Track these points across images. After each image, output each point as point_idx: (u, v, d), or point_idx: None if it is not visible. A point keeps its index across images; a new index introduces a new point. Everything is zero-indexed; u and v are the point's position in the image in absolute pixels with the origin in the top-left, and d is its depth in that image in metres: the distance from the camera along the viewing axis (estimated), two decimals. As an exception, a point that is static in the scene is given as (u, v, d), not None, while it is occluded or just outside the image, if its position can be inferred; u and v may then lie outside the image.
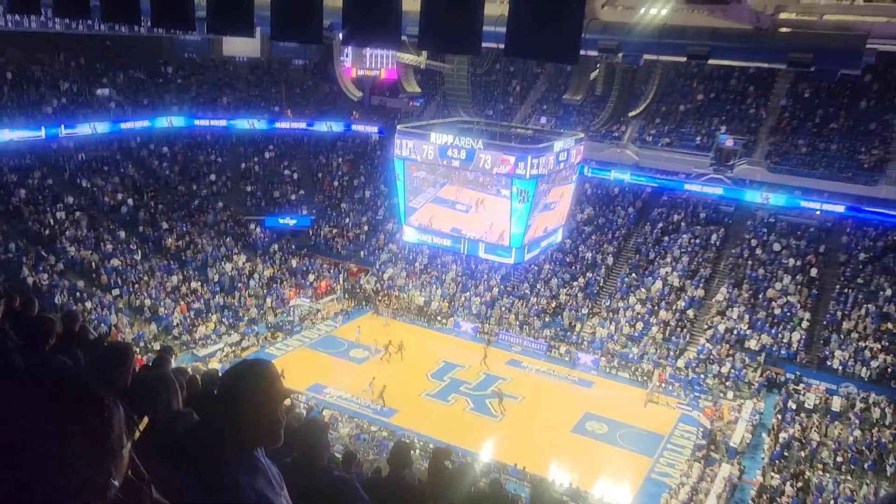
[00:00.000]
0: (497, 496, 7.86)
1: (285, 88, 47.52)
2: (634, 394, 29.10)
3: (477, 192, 22.05)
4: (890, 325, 29.59)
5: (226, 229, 39.07)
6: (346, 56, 36.49)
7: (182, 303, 32.23)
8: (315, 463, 3.90)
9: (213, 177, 42.11)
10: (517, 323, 33.94)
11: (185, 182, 40.94)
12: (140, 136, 41.07)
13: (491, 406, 27.59)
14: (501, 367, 30.56)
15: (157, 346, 26.64)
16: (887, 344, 28.97)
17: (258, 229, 40.12)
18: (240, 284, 35.40)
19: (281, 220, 41.29)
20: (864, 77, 34.76)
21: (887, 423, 26.11)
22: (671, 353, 30.87)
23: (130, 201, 37.27)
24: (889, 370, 28.04)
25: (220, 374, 3.17)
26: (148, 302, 31.43)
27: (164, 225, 36.80)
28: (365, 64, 42.28)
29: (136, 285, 32.15)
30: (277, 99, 46.59)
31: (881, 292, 30.95)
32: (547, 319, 33.81)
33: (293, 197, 43.15)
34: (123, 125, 39.26)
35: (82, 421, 1.45)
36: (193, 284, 33.89)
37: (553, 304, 34.45)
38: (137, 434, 2.10)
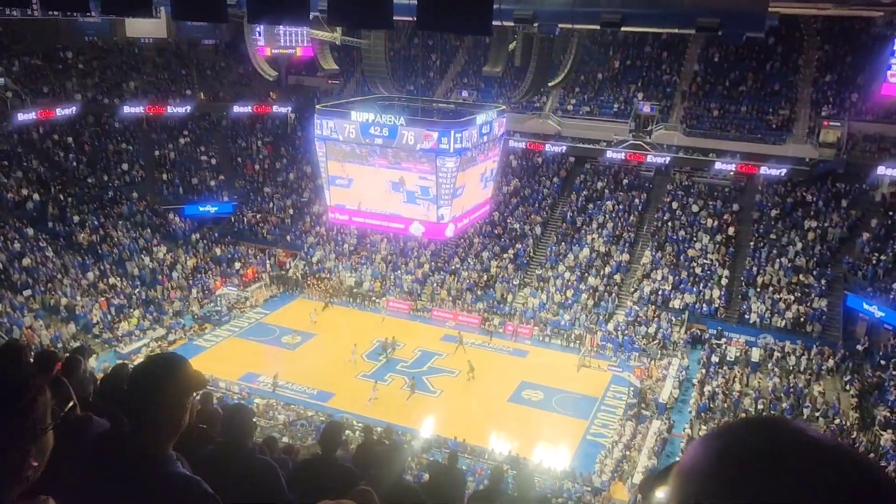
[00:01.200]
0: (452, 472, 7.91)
1: (196, 71, 45.62)
2: (568, 360, 29.73)
3: (395, 170, 21.88)
4: (801, 277, 31.22)
5: (143, 220, 37.47)
6: (259, 34, 35.34)
7: (101, 299, 30.86)
8: (238, 447, 3.94)
9: (125, 166, 40.20)
10: (450, 298, 34.06)
11: (95, 173, 38.93)
12: (42, 127, 38.74)
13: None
14: (436, 342, 30.67)
15: (76, 347, 25.48)
16: (799, 295, 30.58)
17: (177, 218, 38.66)
18: (161, 277, 34.13)
19: (201, 208, 39.88)
20: (769, 40, 36.12)
21: (802, 370, 27.69)
22: (601, 318, 31.67)
23: (36, 196, 35.19)
24: (801, 319, 29.65)
25: (130, 372, 3.05)
26: (64, 300, 29.92)
27: (76, 219, 35.00)
28: (279, 42, 40.99)
29: (50, 284, 30.55)
30: (188, 82, 44.73)
31: (791, 246, 32.55)
32: (479, 293, 34.06)
33: (213, 183, 41.72)
34: (22, 116, 36.91)
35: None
36: (112, 280, 32.46)
37: (485, 278, 34.72)
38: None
